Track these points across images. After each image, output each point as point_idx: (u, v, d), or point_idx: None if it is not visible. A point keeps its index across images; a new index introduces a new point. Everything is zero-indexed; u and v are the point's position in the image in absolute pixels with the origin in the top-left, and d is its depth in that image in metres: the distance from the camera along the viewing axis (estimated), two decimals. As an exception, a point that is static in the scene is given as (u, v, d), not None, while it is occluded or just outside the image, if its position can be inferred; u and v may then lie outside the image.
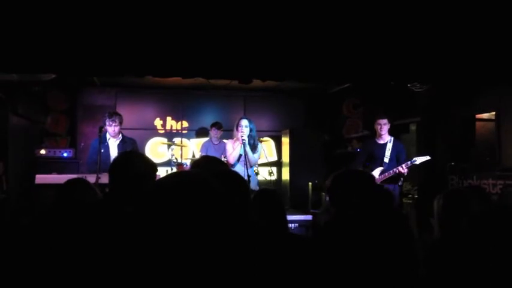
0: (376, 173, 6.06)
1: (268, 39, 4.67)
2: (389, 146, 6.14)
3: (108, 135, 5.99)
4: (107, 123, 5.92)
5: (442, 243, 2.67)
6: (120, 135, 6.08)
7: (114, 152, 5.90)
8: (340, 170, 2.81)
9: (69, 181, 3.20)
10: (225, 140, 8.05)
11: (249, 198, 2.14)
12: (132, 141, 6.19)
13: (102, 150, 5.63)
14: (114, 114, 6.03)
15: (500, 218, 1.96)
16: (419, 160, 5.92)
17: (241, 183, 2.09)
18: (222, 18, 4.51)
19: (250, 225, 1.83)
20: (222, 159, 7.54)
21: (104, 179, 5.29)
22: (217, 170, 2.31)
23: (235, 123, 5.76)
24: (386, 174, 5.97)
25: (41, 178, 5.70)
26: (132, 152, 3.97)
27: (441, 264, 2.41)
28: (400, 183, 6.07)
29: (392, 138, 6.22)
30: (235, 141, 5.76)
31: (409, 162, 5.90)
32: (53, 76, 6.20)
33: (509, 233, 1.92)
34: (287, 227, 2.91)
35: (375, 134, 6.41)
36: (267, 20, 4.60)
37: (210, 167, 2.70)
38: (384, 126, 6.16)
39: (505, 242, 1.90)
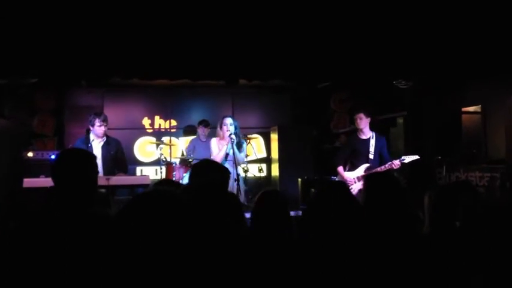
0: (362, 169, 6.00)
1: (253, 39, 4.68)
2: (372, 142, 6.04)
3: (92, 137, 5.81)
4: (97, 123, 5.76)
5: (432, 239, 2.72)
6: (104, 136, 5.95)
7: (98, 154, 5.72)
8: None
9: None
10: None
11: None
12: (117, 142, 6.06)
13: None
14: (102, 114, 5.94)
15: (493, 217, 2.00)
16: (408, 159, 5.90)
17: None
18: (207, 21, 4.50)
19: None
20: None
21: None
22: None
23: (219, 122, 5.72)
24: (378, 169, 5.86)
25: (28, 182, 5.41)
26: None
27: (432, 258, 2.46)
28: None
29: (374, 134, 6.09)
30: (220, 140, 5.73)
31: (397, 160, 5.88)
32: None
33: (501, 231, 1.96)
34: (292, 227, 2.88)
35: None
36: (251, 21, 4.61)
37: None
38: (359, 120, 5.99)
39: (497, 240, 1.94)
